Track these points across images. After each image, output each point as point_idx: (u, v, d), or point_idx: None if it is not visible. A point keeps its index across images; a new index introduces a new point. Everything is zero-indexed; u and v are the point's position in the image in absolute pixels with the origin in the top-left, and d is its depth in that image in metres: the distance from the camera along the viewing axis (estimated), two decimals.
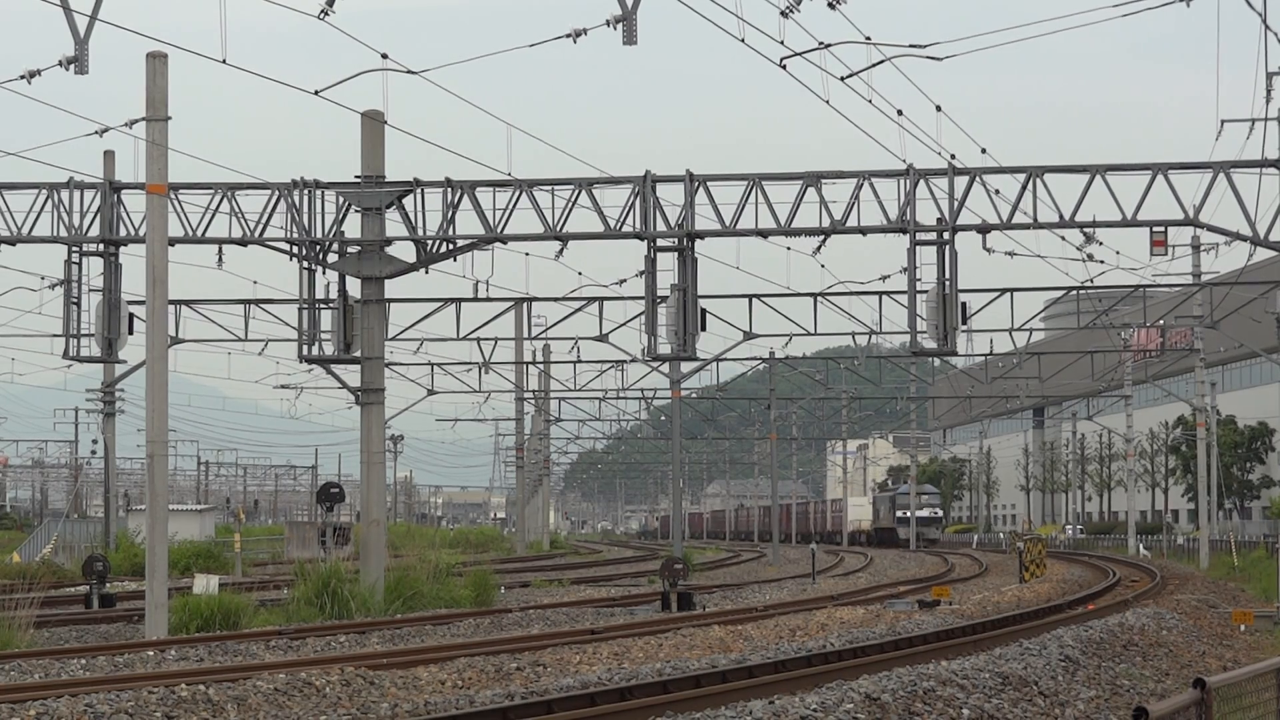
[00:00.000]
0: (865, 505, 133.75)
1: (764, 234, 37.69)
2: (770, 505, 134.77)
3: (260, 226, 38.81)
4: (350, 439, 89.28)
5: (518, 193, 38.15)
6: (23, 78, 28.53)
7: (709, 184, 37.79)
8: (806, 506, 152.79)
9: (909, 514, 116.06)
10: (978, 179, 37.50)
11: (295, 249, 39.05)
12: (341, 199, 38.93)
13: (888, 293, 46.51)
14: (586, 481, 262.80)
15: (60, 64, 26.88)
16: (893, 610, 36.80)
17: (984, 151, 37.96)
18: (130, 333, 39.39)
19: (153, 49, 31.69)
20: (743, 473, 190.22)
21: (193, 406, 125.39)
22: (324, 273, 39.43)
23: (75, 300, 38.99)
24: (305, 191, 38.71)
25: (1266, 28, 34.81)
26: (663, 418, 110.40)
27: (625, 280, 46.09)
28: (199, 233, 38.83)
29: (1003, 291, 48.77)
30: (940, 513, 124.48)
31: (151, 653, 26.90)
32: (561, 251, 39.35)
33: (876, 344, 65.29)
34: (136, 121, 32.01)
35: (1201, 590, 46.45)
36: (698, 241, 37.75)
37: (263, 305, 48.42)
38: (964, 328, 40.54)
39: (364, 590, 36.48)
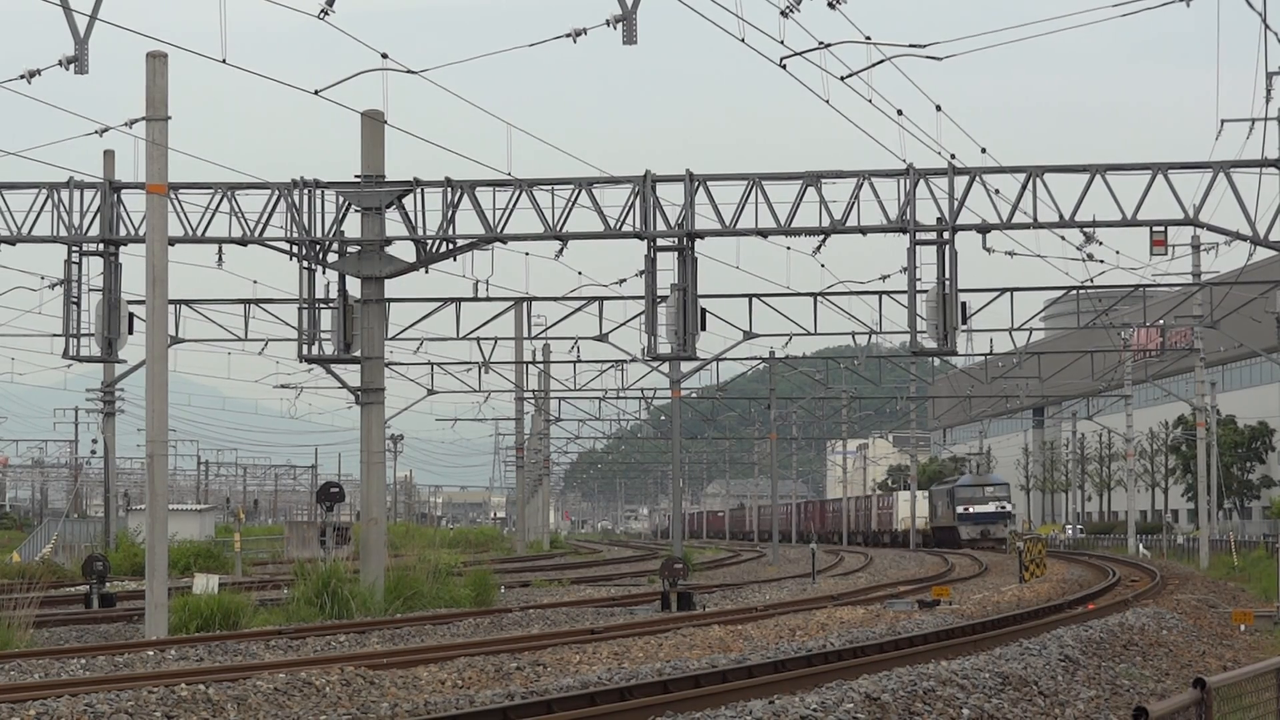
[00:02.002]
0: (920, 501, 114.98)
1: (764, 234, 37.69)
2: (805, 502, 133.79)
3: (260, 226, 38.81)
4: (350, 439, 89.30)
5: (518, 192, 38.15)
6: (23, 77, 28.53)
7: (709, 184, 37.79)
8: (847, 504, 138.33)
9: (972, 509, 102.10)
10: (978, 179, 37.50)
11: (295, 249, 39.04)
12: (341, 199, 38.93)
13: (888, 292, 46.52)
14: (586, 481, 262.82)
15: (60, 64, 26.88)
16: (893, 610, 36.80)
17: (984, 151, 37.99)
18: (130, 332, 39.40)
19: (153, 49, 31.70)
20: (743, 473, 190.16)
21: (193, 406, 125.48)
22: (324, 272, 39.44)
23: (75, 300, 38.99)
24: (305, 191, 38.71)
25: (1267, 27, 34.82)
26: (663, 417, 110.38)
27: (625, 280, 46.13)
28: (199, 232, 38.84)
29: (1003, 291, 48.79)
30: (1008, 506, 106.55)
31: (151, 652, 26.91)
32: (561, 251, 39.37)
33: (876, 344, 65.34)
34: (136, 121, 32.03)
35: (1201, 590, 46.44)
36: (698, 241, 37.75)
37: (263, 305, 48.44)
38: (964, 327, 40.56)
39: (364, 590, 36.48)
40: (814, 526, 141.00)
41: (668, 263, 37.70)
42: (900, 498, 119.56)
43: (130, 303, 39.33)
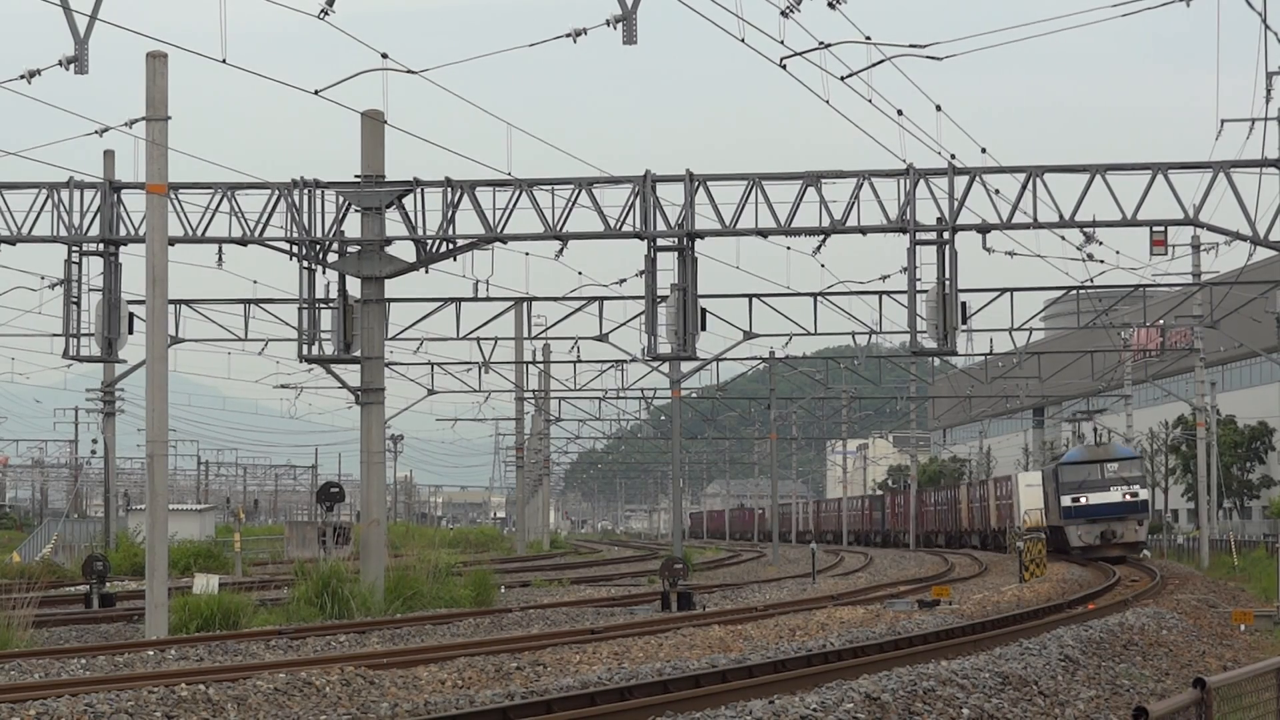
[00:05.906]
0: (1037, 488, 75.66)
1: (764, 234, 37.70)
2: (890, 495, 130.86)
3: (260, 226, 38.83)
4: (350, 439, 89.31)
5: (518, 192, 38.16)
6: (23, 77, 28.54)
7: (709, 184, 37.80)
8: (958, 492, 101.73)
9: (1085, 500, 68.59)
10: (978, 179, 37.50)
11: (295, 249, 39.06)
12: (341, 199, 38.94)
13: (888, 292, 46.50)
14: (586, 481, 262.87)
15: (60, 64, 26.90)
16: (893, 610, 36.79)
17: (984, 151, 38.00)
18: (130, 332, 39.42)
19: (153, 49, 31.71)
20: (743, 473, 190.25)
21: (193, 406, 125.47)
22: (324, 272, 39.47)
23: (75, 300, 39.02)
24: (305, 191, 38.72)
25: (1266, 28, 34.82)
26: (663, 418, 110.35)
27: (625, 280, 46.14)
28: (199, 232, 38.85)
29: (1003, 291, 48.79)
30: (1141, 493, 69.77)
31: (151, 652, 26.91)
32: (561, 251, 39.39)
33: (876, 344, 65.26)
34: (136, 121, 32.04)
35: (1201, 590, 46.41)
36: (698, 241, 37.76)
37: (263, 305, 48.45)
38: (964, 327, 40.60)
39: (364, 590, 36.49)
40: (900, 525, 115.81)
41: (668, 263, 37.74)
42: (1021, 482, 79.01)
43: (130, 303, 39.34)
